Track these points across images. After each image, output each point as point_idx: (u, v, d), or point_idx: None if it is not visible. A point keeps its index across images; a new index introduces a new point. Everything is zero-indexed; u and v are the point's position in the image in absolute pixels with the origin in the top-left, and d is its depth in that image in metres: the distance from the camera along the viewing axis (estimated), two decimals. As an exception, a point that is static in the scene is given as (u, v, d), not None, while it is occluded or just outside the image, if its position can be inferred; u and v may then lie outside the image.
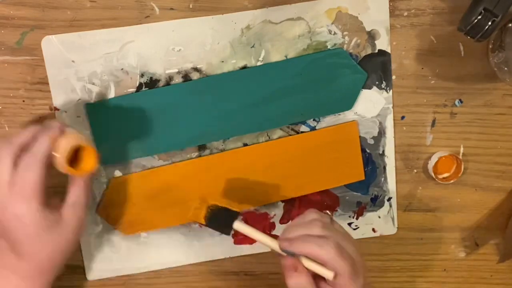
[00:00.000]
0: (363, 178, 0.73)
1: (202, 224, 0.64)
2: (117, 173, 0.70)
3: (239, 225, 0.61)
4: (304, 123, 0.71)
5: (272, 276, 0.75)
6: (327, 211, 0.62)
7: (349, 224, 0.75)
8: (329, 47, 0.70)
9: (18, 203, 0.57)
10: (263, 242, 0.60)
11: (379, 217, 0.75)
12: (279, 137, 0.71)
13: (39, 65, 0.67)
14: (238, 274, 0.75)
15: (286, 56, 0.69)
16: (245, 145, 0.71)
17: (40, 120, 0.67)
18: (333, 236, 0.57)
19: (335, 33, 0.69)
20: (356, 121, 0.72)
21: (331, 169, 0.72)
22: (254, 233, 0.60)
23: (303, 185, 0.72)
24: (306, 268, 0.57)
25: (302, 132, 0.72)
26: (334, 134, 0.72)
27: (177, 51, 0.68)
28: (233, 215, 0.62)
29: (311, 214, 0.60)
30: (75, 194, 0.61)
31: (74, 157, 0.60)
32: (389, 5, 0.69)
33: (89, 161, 0.60)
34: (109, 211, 0.70)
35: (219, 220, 0.63)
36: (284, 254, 0.58)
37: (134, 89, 0.68)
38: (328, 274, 0.57)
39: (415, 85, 0.72)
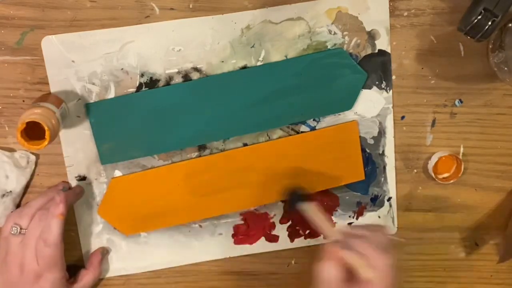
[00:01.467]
0: (363, 178, 0.73)
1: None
2: (117, 173, 0.70)
3: (306, 206, 0.65)
4: (304, 123, 0.72)
5: (272, 276, 0.75)
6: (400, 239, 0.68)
7: (349, 224, 0.75)
8: (329, 47, 0.70)
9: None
10: (322, 226, 0.63)
11: (379, 217, 0.75)
12: (279, 137, 0.72)
13: (39, 65, 0.67)
14: (238, 274, 0.75)
15: (286, 56, 0.69)
16: (245, 145, 0.71)
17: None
18: (392, 253, 0.59)
19: (335, 33, 0.69)
20: (356, 121, 0.72)
21: (331, 169, 0.72)
22: (317, 216, 0.63)
23: (303, 185, 0.72)
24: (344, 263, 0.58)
25: (302, 132, 0.72)
26: (334, 134, 0.72)
27: (177, 51, 0.68)
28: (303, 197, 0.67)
29: (382, 229, 0.63)
30: (87, 278, 0.70)
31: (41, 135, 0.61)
32: (389, 5, 0.69)
33: (42, 137, 0.60)
34: (109, 211, 0.70)
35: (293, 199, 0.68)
36: (335, 240, 0.60)
37: (134, 89, 0.68)
38: (368, 274, 0.57)
39: (415, 85, 0.72)
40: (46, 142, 0.60)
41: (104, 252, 0.72)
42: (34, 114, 0.60)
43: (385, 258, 0.58)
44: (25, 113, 0.60)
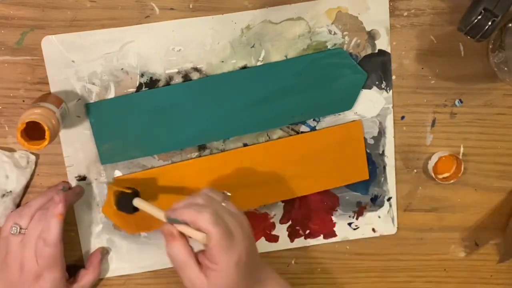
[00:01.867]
0: (367, 177, 0.73)
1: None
2: (117, 173, 0.70)
3: (137, 202, 0.65)
4: (304, 123, 0.72)
5: (272, 276, 0.75)
6: (226, 192, 0.68)
7: (349, 224, 0.75)
8: (329, 47, 0.70)
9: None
10: (153, 214, 0.62)
11: (379, 217, 0.75)
12: (279, 137, 0.71)
13: (39, 65, 0.67)
14: (238, 274, 0.75)
15: (286, 56, 0.69)
16: (245, 145, 0.71)
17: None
18: (213, 206, 0.59)
19: (335, 33, 0.69)
20: (361, 121, 0.72)
21: (335, 169, 0.72)
22: (147, 207, 0.63)
23: (305, 185, 0.72)
24: (184, 236, 0.59)
25: (302, 132, 0.72)
26: (338, 134, 0.71)
27: (177, 51, 0.68)
28: (132, 196, 0.66)
29: (203, 190, 0.62)
30: (86, 278, 0.69)
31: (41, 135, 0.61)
32: (389, 5, 0.69)
33: (42, 137, 0.60)
34: (114, 210, 0.70)
35: (125, 202, 0.66)
36: (167, 222, 0.60)
37: (134, 89, 0.68)
38: (200, 236, 0.57)
39: (415, 85, 0.72)
40: (46, 142, 0.60)
41: (103, 252, 0.72)
42: (34, 114, 0.60)
43: (203, 215, 0.57)
44: (25, 113, 0.60)
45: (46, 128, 0.60)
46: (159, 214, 0.61)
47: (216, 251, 0.56)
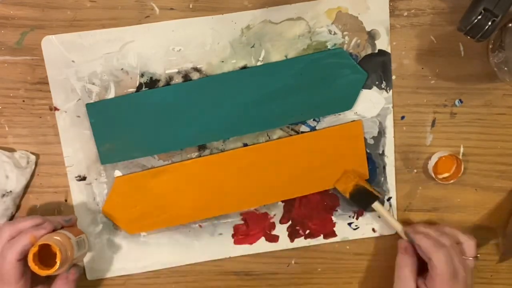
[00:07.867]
0: (367, 177, 0.73)
1: (345, 197, 0.72)
2: (117, 173, 0.70)
3: (377, 206, 0.72)
4: (304, 123, 0.72)
5: (272, 276, 0.75)
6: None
7: (349, 224, 0.75)
8: (329, 47, 0.70)
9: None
10: (392, 224, 0.72)
11: (379, 217, 0.75)
12: (279, 137, 0.72)
13: (39, 65, 0.67)
14: (238, 274, 0.75)
15: (286, 56, 0.69)
16: (245, 145, 0.71)
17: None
18: (449, 247, 0.66)
19: (335, 33, 0.69)
20: (361, 121, 0.72)
21: (335, 169, 0.72)
22: (386, 215, 0.72)
23: (305, 185, 0.72)
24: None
25: (302, 132, 0.72)
26: (338, 134, 0.72)
27: (177, 51, 0.68)
28: (374, 198, 0.72)
29: (446, 228, 0.70)
30: None
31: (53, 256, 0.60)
32: (389, 5, 0.69)
33: (54, 263, 0.60)
34: (113, 210, 0.70)
35: (361, 198, 0.72)
36: (405, 237, 0.70)
37: (134, 89, 0.68)
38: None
39: (415, 85, 0.72)
40: (56, 267, 0.59)
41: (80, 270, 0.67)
42: (50, 238, 0.60)
43: (439, 253, 0.65)
44: (43, 238, 0.60)
45: (58, 251, 0.59)
46: (397, 227, 0.71)
47: (438, 285, 0.65)
